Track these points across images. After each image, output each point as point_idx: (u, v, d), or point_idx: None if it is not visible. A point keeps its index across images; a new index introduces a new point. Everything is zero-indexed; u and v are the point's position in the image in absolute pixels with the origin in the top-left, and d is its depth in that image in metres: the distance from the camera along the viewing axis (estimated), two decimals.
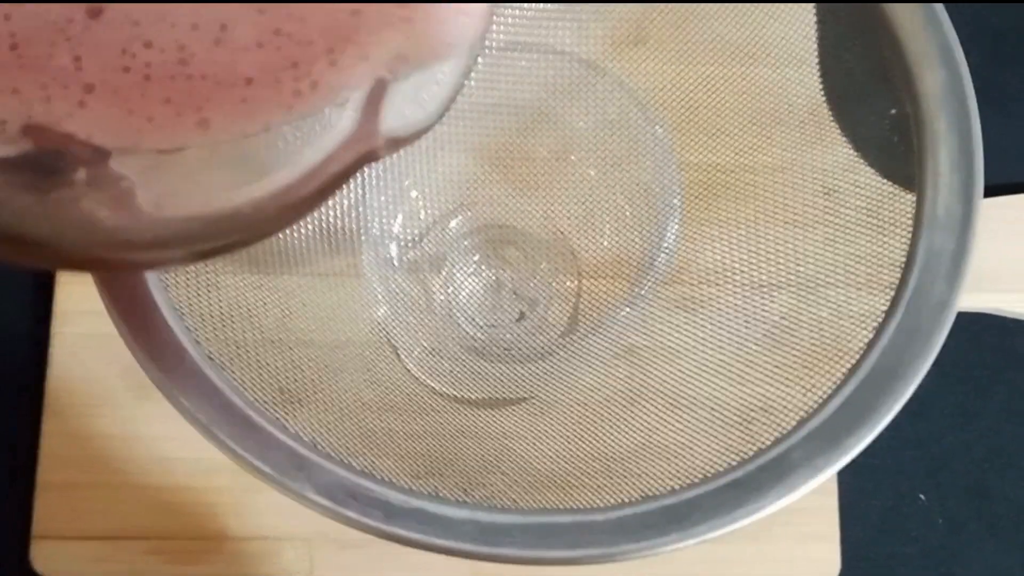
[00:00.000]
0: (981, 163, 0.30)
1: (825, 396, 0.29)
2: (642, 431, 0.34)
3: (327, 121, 0.19)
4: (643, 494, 0.28)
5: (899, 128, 0.31)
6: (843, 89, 0.36)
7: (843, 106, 0.36)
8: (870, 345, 0.29)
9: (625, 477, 0.31)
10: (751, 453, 0.28)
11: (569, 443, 0.34)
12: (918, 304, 0.29)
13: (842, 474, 0.41)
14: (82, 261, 0.14)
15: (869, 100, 0.33)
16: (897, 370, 0.28)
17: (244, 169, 0.18)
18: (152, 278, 0.28)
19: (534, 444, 0.35)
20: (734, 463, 0.28)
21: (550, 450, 0.34)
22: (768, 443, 0.28)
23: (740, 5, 0.37)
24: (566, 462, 0.33)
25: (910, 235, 0.30)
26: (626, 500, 0.28)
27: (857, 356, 0.29)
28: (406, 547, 0.40)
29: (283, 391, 0.31)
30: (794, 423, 0.29)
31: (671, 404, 0.34)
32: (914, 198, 0.32)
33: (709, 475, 0.28)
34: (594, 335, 0.38)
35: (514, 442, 0.35)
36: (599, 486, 0.30)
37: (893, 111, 0.31)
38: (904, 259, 0.30)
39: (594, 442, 0.34)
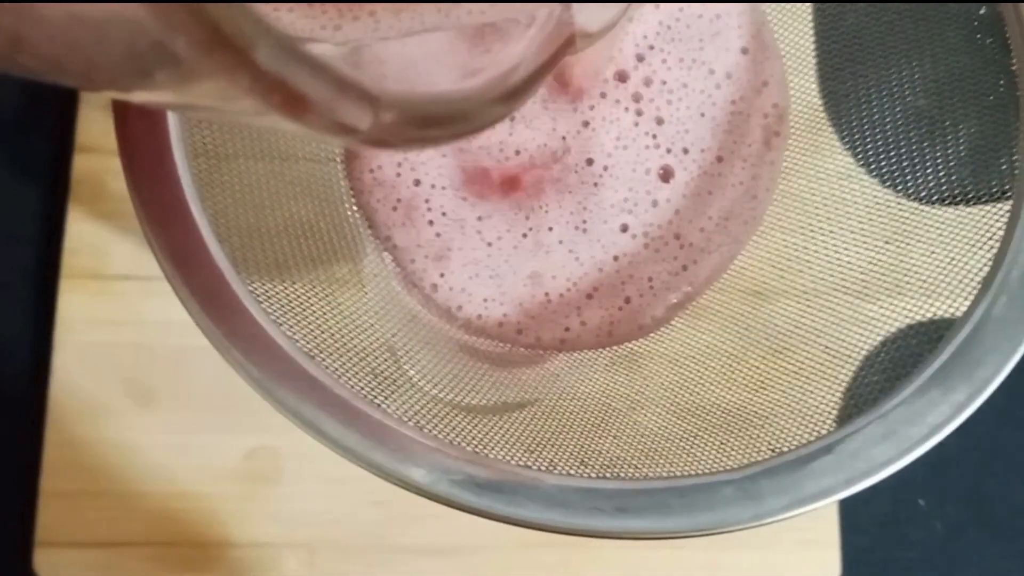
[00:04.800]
0: None
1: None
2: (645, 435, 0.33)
3: (532, 14, 0.21)
4: (773, 449, 0.27)
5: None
6: (844, 93, 0.36)
7: (843, 112, 0.36)
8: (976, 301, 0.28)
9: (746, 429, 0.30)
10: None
11: (674, 397, 0.33)
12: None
13: None
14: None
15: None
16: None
17: (467, 59, 0.20)
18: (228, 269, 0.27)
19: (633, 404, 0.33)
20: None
21: (654, 407, 0.33)
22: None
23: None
24: (675, 417, 0.32)
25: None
26: (755, 459, 0.27)
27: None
28: (413, 553, 0.41)
29: (376, 375, 0.30)
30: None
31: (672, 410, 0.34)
32: (915, 206, 0.32)
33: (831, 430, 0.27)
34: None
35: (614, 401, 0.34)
36: (721, 442, 0.29)
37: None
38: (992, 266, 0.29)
39: (703, 397, 0.33)
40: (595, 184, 0.36)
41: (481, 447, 0.28)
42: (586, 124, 0.36)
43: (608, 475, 0.27)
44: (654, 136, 0.37)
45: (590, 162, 0.36)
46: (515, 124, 0.36)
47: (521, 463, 0.27)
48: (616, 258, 0.36)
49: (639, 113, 0.37)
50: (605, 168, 0.36)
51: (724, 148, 0.37)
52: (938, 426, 0.27)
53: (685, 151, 0.36)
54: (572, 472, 0.27)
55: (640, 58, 0.37)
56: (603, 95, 0.36)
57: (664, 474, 0.27)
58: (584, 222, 0.36)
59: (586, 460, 0.28)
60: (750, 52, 0.37)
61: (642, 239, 0.36)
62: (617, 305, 0.36)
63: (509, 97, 0.20)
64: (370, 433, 0.26)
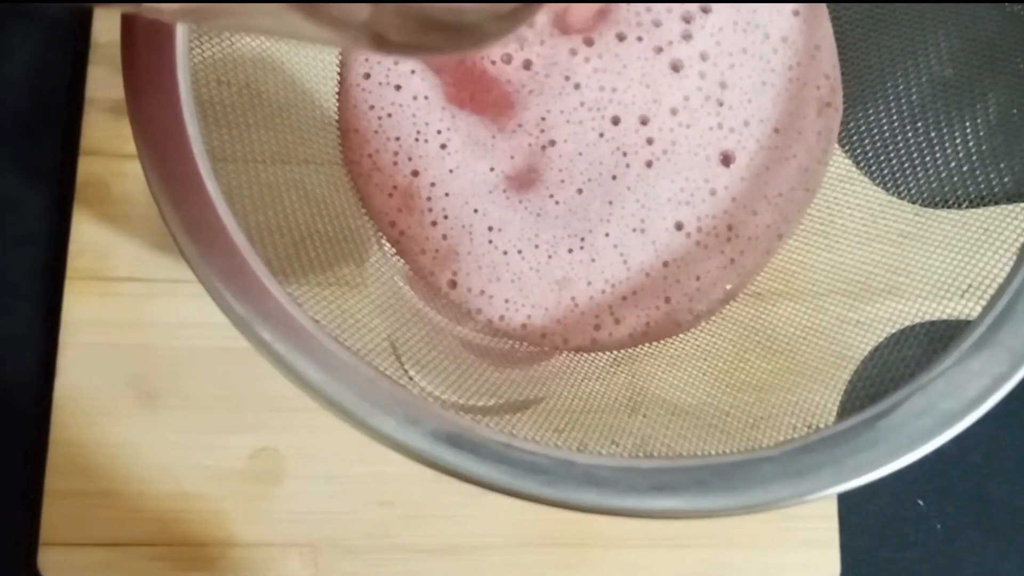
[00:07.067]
0: None
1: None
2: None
3: None
4: (809, 425, 0.26)
5: None
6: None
7: (845, 116, 0.37)
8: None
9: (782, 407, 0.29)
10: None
11: (706, 373, 0.32)
12: None
13: None
14: None
15: None
16: None
17: None
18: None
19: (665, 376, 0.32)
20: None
21: (686, 382, 0.32)
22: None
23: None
24: (709, 392, 0.31)
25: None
26: (790, 436, 0.26)
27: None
28: (417, 553, 0.41)
29: (395, 350, 0.29)
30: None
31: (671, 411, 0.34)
32: (914, 208, 0.32)
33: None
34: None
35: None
36: (755, 421, 0.28)
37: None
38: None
39: (736, 373, 0.32)
40: (649, 167, 0.34)
41: (509, 428, 0.27)
42: (648, 91, 0.34)
43: (640, 454, 0.26)
44: (719, 103, 0.35)
45: (650, 141, 0.35)
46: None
47: (551, 443, 0.26)
48: (666, 264, 0.35)
49: (702, 76, 0.35)
50: (664, 152, 0.35)
51: (782, 119, 0.36)
52: (977, 399, 0.26)
53: (746, 124, 0.35)
54: (603, 451, 0.26)
55: (688, 19, 0.36)
56: (659, 57, 0.35)
57: (698, 452, 0.27)
58: (642, 222, 0.34)
59: (616, 440, 0.27)
60: (801, 13, 0.36)
61: (695, 236, 0.35)
62: (655, 305, 0.35)
63: (512, 13, 0.20)
64: (400, 412, 0.25)
